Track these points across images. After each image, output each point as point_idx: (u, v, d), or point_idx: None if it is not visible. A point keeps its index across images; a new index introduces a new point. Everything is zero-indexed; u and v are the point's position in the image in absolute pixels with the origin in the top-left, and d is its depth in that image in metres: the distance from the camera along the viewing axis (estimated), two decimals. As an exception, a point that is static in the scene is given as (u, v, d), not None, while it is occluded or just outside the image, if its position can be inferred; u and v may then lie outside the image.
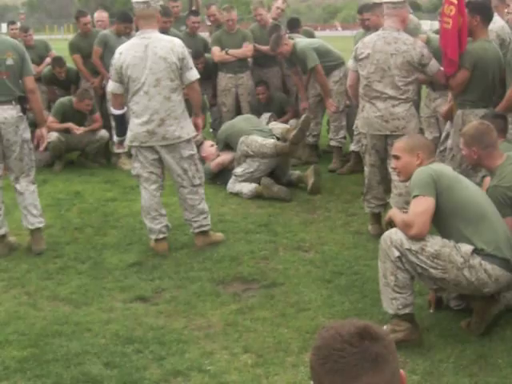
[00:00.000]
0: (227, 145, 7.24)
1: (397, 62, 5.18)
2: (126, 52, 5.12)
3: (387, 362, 1.18)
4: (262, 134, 6.90)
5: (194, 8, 9.73)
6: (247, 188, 6.72)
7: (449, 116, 5.65)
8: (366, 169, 5.53)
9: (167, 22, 7.96)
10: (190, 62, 5.19)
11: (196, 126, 5.37)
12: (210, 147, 7.40)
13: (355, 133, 6.60)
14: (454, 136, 5.36)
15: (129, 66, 5.04)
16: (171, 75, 5.05)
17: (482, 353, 3.58)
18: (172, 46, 5.09)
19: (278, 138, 6.86)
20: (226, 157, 7.21)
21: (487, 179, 4.27)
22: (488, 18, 5.28)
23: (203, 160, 6.99)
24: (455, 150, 5.34)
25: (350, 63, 5.52)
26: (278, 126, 7.13)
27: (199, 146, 6.95)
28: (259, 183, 6.72)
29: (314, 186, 6.75)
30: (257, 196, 6.67)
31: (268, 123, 7.46)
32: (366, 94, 5.32)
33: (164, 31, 7.79)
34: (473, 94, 5.23)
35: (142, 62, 5.03)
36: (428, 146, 3.92)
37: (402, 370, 1.24)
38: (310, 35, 8.62)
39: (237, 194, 6.79)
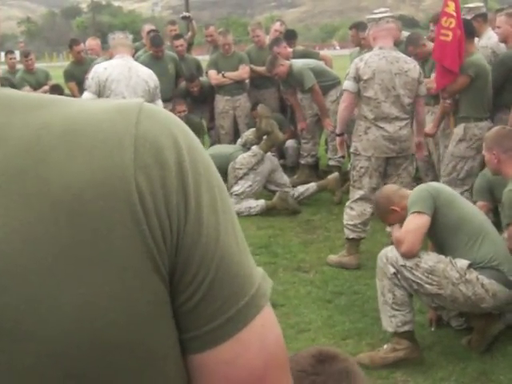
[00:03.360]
0: None
1: (401, 81, 5.12)
2: (111, 68, 5.58)
3: (357, 373, 1.17)
4: (238, 149, 7.11)
5: (189, 33, 9.77)
6: (256, 203, 6.80)
7: (433, 134, 5.70)
8: (362, 192, 5.27)
9: (158, 51, 7.98)
10: (157, 91, 5.81)
11: None
12: None
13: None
14: (450, 145, 5.41)
15: (113, 80, 5.49)
16: (147, 97, 5.46)
17: (484, 370, 3.55)
18: (150, 73, 5.73)
19: (254, 144, 7.04)
20: None
21: (480, 204, 4.32)
22: (471, 34, 5.44)
23: None
24: (448, 159, 5.40)
25: (347, 84, 5.26)
26: (246, 135, 7.31)
27: None
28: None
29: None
30: (261, 212, 6.77)
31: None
32: (372, 117, 5.14)
33: (158, 58, 7.93)
34: (477, 107, 5.30)
35: (126, 80, 5.52)
36: (393, 195, 3.91)
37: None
38: (311, 55, 8.60)
39: (238, 214, 6.78)
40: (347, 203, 5.37)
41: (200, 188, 0.67)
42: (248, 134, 7.26)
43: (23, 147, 0.62)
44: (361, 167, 5.23)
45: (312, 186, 7.05)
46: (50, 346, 0.60)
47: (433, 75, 5.69)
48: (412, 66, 5.20)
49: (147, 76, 5.69)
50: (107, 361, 0.62)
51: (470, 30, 5.37)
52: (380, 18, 5.21)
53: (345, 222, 5.32)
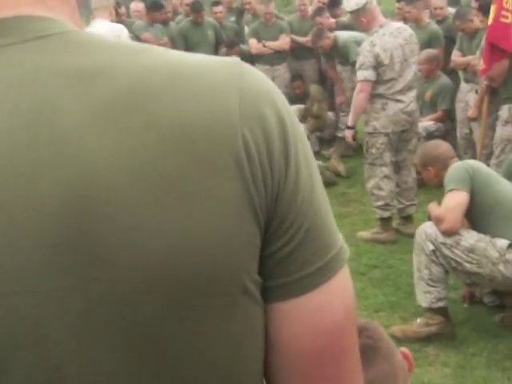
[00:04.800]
0: None
1: (409, 50, 5.09)
2: None
3: (376, 350, 1.14)
4: None
5: None
6: None
7: (476, 117, 5.62)
8: (385, 169, 5.27)
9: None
10: None
11: None
12: None
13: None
14: (497, 128, 5.33)
15: None
16: None
17: (516, 348, 3.59)
18: (110, 30, 5.61)
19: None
20: None
21: None
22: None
23: None
24: (496, 143, 5.32)
25: (367, 74, 5.04)
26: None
27: None
28: None
29: (345, 169, 6.99)
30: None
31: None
32: (390, 92, 5.09)
33: (163, 23, 7.93)
34: None
35: None
36: (438, 157, 3.95)
37: (402, 348, 1.19)
38: (355, 27, 8.51)
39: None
40: (371, 183, 5.31)
41: (297, 141, 0.71)
42: (294, 110, 7.23)
43: (132, 85, 0.65)
44: (381, 143, 5.20)
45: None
46: (150, 274, 0.63)
47: (478, 53, 5.60)
48: (410, 31, 5.23)
49: (105, 32, 5.64)
50: (199, 293, 0.65)
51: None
52: (365, 3, 5.05)
53: (376, 204, 5.30)
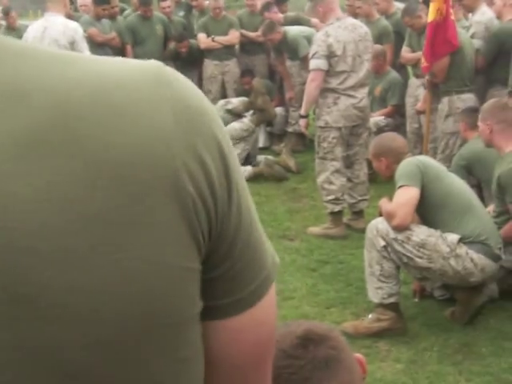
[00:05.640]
0: None
1: (363, 46, 5.15)
2: (30, 31, 5.57)
3: (339, 361, 1.12)
4: (223, 112, 7.03)
5: None
6: (243, 169, 6.70)
7: (423, 110, 5.65)
8: (336, 163, 5.26)
9: (105, 9, 7.74)
10: (82, 46, 5.51)
11: None
12: None
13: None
14: (438, 122, 5.40)
15: None
16: None
17: (466, 342, 3.61)
18: (64, 29, 5.45)
19: (239, 115, 7.05)
20: None
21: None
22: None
23: None
24: (440, 137, 5.39)
25: (319, 63, 5.08)
26: (234, 103, 7.24)
27: None
28: (250, 164, 6.93)
29: (296, 164, 7.03)
30: (248, 179, 6.70)
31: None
32: (342, 87, 5.12)
33: (110, 18, 7.80)
34: (456, 79, 5.26)
35: (40, 42, 5.31)
36: (393, 150, 3.94)
37: (357, 354, 1.18)
38: (302, 22, 8.51)
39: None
40: (322, 178, 5.30)
41: (234, 159, 0.68)
42: (237, 104, 7.21)
43: (53, 103, 0.58)
44: (333, 137, 5.21)
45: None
46: (82, 312, 0.57)
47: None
48: (365, 28, 5.28)
49: (59, 33, 5.47)
50: (136, 326, 0.60)
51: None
52: None
53: (327, 198, 5.29)
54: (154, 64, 0.66)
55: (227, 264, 0.69)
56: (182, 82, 0.66)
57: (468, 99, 5.29)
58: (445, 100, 5.34)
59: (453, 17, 5.09)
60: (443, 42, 5.06)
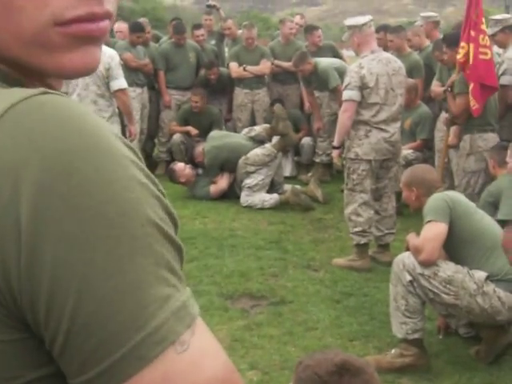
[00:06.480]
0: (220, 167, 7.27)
1: (397, 81, 5.19)
2: None
3: None
4: (246, 139, 7.17)
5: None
6: (269, 196, 6.89)
7: (455, 144, 5.63)
8: (365, 195, 5.26)
9: (139, 37, 7.88)
10: (117, 72, 5.70)
11: (129, 133, 6.12)
12: (185, 171, 7.20)
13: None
14: (460, 160, 5.38)
15: None
16: (97, 82, 5.65)
17: (491, 381, 3.55)
18: (101, 56, 5.57)
19: (262, 142, 7.12)
20: (224, 181, 7.21)
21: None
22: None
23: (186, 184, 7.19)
24: (461, 175, 5.37)
25: (351, 94, 5.13)
26: (257, 130, 7.30)
27: (173, 172, 7.11)
28: (276, 192, 6.96)
29: (322, 195, 7.05)
30: (274, 207, 6.83)
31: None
32: (374, 120, 5.15)
33: (143, 44, 7.94)
34: (478, 118, 5.24)
35: None
36: (426, 182, 3.92)
37: None
38: (334, 52, 8.55)
39: (250, 208, 6.82)
40: (349, 209, 5.30)
41: (46, 222, 0.58)
42: (260, 130, 7.24)
43: None
44: (363, 170, 5.22)
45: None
46: None
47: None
48: (399, 63, 5.32)
49: None
50: None
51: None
52: (363, 24, 5.16)
53: (353, 230, 5.28)
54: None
55: (48, 337, 0.59)
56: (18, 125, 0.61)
57: (491, 139, 5.27)
58: (466, 138, 5.34)
59: (489, 56, 5.10)
60: (485, 84, 5.10)
